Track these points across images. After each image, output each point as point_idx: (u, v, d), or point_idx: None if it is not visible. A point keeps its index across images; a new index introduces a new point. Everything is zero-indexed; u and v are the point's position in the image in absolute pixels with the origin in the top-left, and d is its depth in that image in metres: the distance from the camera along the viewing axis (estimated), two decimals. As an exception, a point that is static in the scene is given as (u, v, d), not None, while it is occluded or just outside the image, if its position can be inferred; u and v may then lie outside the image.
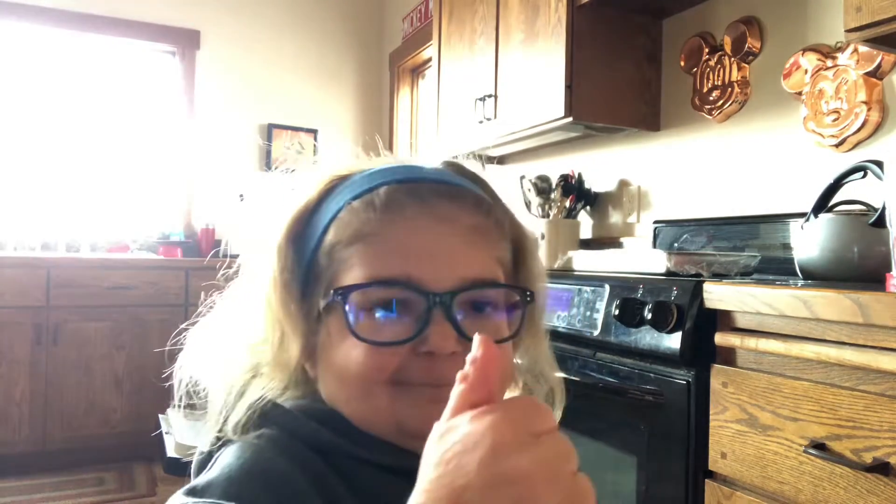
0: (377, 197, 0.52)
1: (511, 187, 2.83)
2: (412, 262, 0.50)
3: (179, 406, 0.60)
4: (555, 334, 1.47)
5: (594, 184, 2.39)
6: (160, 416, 2.40)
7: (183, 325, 0.61)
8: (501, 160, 2.96)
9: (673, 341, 1.15)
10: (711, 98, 1.93)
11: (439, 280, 0.50)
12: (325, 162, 0.59)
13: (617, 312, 1.25)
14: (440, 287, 0.50)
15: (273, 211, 0.57)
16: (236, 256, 0.62)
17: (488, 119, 2.38)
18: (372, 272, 0.50)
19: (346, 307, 0.50)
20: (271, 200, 0.59)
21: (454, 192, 0.54)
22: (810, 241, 1.30)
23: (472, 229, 0.53)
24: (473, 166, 0.61)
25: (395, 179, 0.54)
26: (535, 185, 2.40)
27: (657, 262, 1.40)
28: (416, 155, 0.61)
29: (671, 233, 1.99)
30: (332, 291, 0.51)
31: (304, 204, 0.56)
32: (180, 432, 2.10)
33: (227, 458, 0.50)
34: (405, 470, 0.49)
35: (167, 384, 0.61)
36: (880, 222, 1.17)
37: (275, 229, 0.56)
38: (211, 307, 0.61)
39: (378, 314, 0.50)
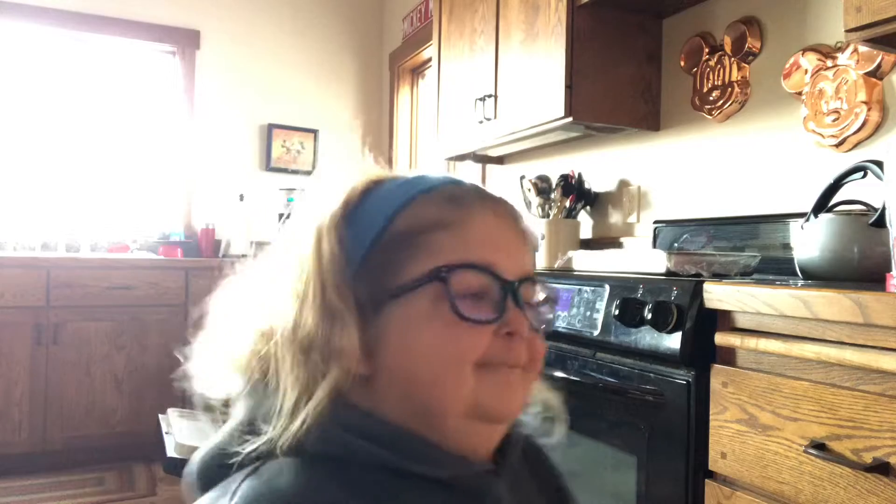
0: (449, 192, 0.56)
1: (511, 187, 2.83)
2: (492, 252, 0.54)
3: (184, 403, 0.60)
4: (555, 334, 1.47)
5: (594, 184, 2.39)
6: (160, 416, 2.40)
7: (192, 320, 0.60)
8: (501, 160, 2.96)
9: (673, 341, 1.15)
10: (711, 98, 1.93)
11: (511, 270, 0.55)
12: (352, 167, 0.61)
13: (617, 312, 1.25)
14: (512, 276, 0.54)
15: (310, 206, 0.58)
16: (239, 257, 0.61)
17: (488, 119, 2.38)
18: (463, 257, 0.53)
19: (448, 285, 0.51)
20: (309, 199, 0.59)
21: (495, 196, 0.59)
22: (810, 241, 1.30)
23: (520, 230, 0.59)
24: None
25: (452, 180, 0.58)
26: (535, 185, 2.40)
27: (657, 262, 1.40)
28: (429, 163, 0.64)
29: (671, 233, 1.99)
30: (424, 275, 0.52)
31: (348, 196, 0.56)
32: (180, 432, 2.10)
33: (280, 482, 0.48)
34: (460, 485, 0.53)
35: (172, 383, 0.60)
36: (880, 222, 1.17)
37: (315, 219, 0.55)
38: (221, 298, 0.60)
39: (469, 299, 0.52)
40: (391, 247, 0.53)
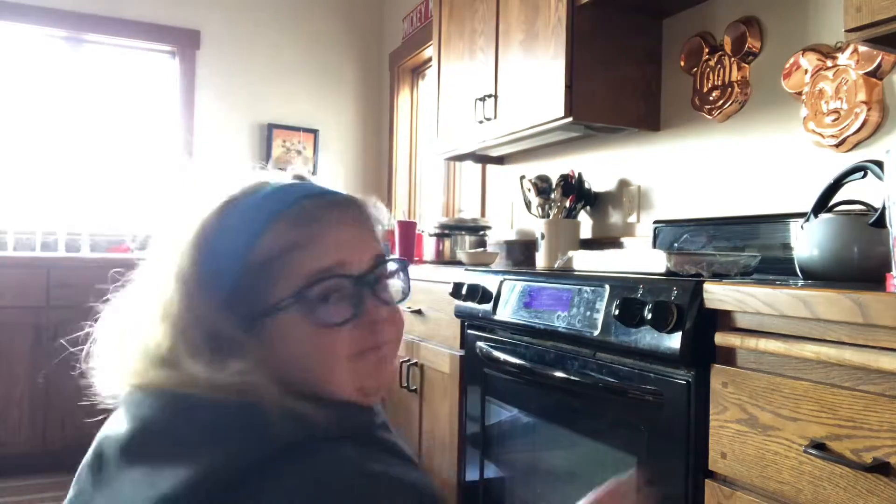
0: (301, 211, 0.64)
1: (511, 187, 2.83)
2: (342, 253, 0.63)
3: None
4: (555, 334, 1.47)
5: (594, 184, 2.39)
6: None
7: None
8: (501, 160, 2.96)
9: (673, 341, 1.15)
10: (711, 98, 1.93)
11: (361, 263, 0.64)
12: (207, 185, 0.68)
13: (617, 312, 1.25)
14: (362, 269, 0.64)
15: (173, 225, 0.66)
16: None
17: (488, 119, 2.38)
18: (314, 268, 0.61)
19: (305, 304, 0.61)
20: (176, 208, 0.68)
21: (342, 201, 0.68)
22: (810, 241, 1.30)
23: (362, 223, 0.68)
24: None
25: (304, 195, 0.65)
26: (535, 185, 2.40)
27: (657, 262, 1.40)
28: (273, 170, 0.71)
29: (671, 233, 1.99)
30: (287, 296, 0.60)
31: (202, 226, 0.63)
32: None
33: (340, 454, 0.56)
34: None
35: None
36: (880, 222, 1.17)
37: (177, 248, 0.63)
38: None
39: (327, 302, 0.62)
40: (254, 274, 0.61)
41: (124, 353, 0.63)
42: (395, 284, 0.70)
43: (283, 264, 0.61)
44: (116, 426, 0.59)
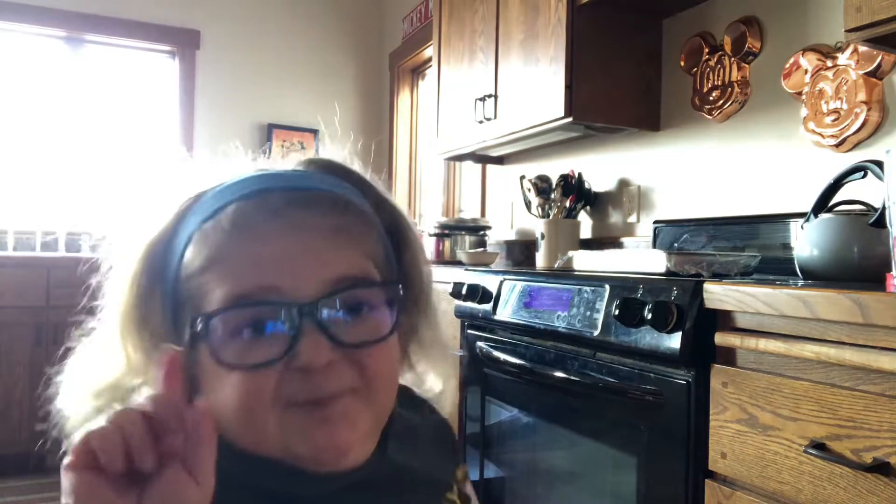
0: (225, 216, 0.50)
1: (511, 187, 2.83)
2: (268, 275, 0.47)
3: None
4: (555, 334, 1.47)
5: (594, 184, 2.39)
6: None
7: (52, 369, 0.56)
8: (501, 160, 2.96)
9: (673, 341, 1.15)
10: (711, 98, 1.93)
11: (300, 288, 0.47)
12: (179, 177, 0.57)
13: (617, 312, 1.25)
14: (303, 295, 0.47)
15: (127, 235, 0.55)
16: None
17: (488, 119, 2.38)
18: (227, 293, 0.47)
19: (210, 336, 0.47)
20: (129, 219, 0.57)
21: (308, 198, 0.51)
22: (810, 241, 1.30)
23: (332, 231, 0.50)
24: (340, 156, 0.60)
25: (244, 195, 0.51)
26: (535, 185, 2.40)
27: (657, 262, 1.40)
28: (278, 159, 0.58)
29: (671, 233, 1.99)
30: (192, 324, 0.47)
31: (160, 231, 0.53)
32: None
33: None
34: (291, 497, 0.49)
35: None
36: (880, 222, 1.17)
37: (128, 258, 0.53)
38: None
39: (245, 335, 0.47)
40: (182, 292, 0.50)
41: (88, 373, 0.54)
42: (384, 319, 0.51)
43: (202, 284, 0.49)
44: None
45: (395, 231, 0.58)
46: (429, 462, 0.61)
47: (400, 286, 0.53)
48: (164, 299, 0.51)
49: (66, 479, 0.36)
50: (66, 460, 0.37)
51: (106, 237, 0.58)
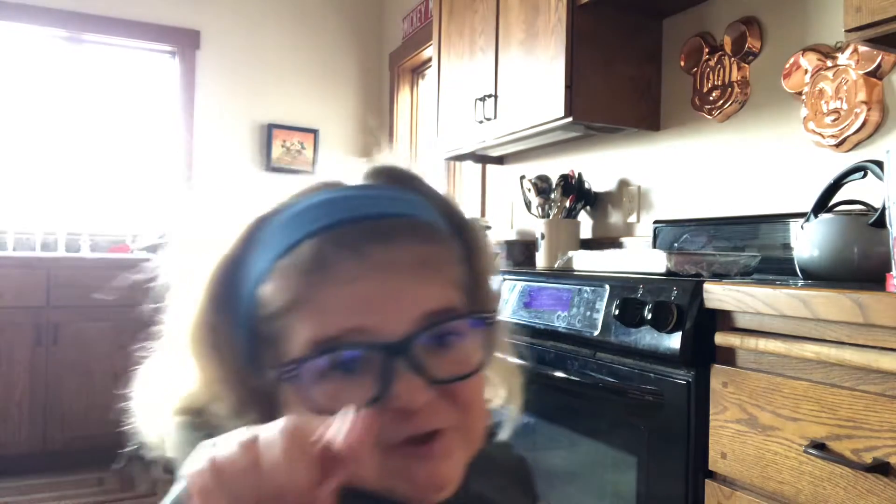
0: (301, 256, 0.47)
1: (511, 187, 2.83)
2: (355, 317, 0.46)
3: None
4: (555, 334, 1.47)
5: (594, 184, 2.39)
6: (160, 416, 2.40)
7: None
8: (501, 160, 2.96)
9: (673, 341, 1.15)
10: (711, 98, 1.93)
11: (389, 328, 0.46)
12: (243, 195, 0.54)
13: (617, 312, 1.25)
14: (392, 334, 0.45)
15: (192, 250, 0.52)
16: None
17: (488, 119, 2.38)
18: (314, 336, 0.46)
19: (300, 380, 0.45)
20: (194, 237, 0.54)
21: (385, 229, 0.48)
22: (810, 241, 1.30)
23: (415, 266, 0.48)
24: (403, 161, 0.57)
25: (316, 229, 0.48)
26: (535, 185, 2.40)
27: (657, 262, 1.40)
28: (340, 166, 0.55)
29: (671, 233, 1.99)
30: (279, 369, 0.46)
31: (226, 255, 0.50)
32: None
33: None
34: None
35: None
36: (880, 222, 1.17)
37: (194, 280, 0.50)
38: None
39: (334, 378, 0.45)
40: (262, 326, 0.48)
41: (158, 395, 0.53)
42: (472, 346, 0.49)
43: (284, 325, 0.47)
44: None
45: (465, 240, 0.55)
46: (505, 495, 0.60)
47: (492, 314, 0.52)
48: (234, 328, 0.50)
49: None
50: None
51: (162, 245, 0.55)
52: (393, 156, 0.56)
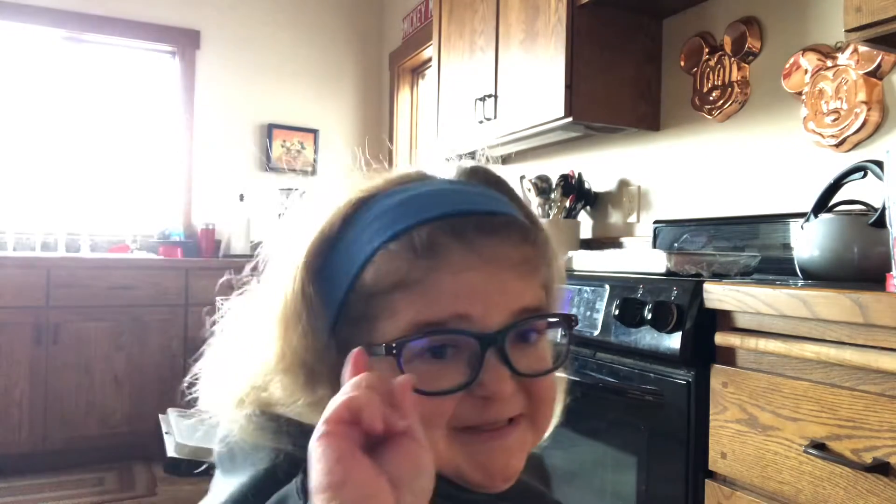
0: (418, 240, 0.49)
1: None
2: (460, 305, 0.48)
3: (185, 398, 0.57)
4: (555, 334, 1.47)
5: (594, 184, 2.39)
6: (160, 416, 2.40)
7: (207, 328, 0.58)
8: (501, 160, 2.96)
9: (673, 341, 1.15)
10: (711, 98, 1.93)
11: (489, 319, 0.49)
12: (340, 175, 0.57)
13: (617, 312, 1.25)
14: (490, 326, 0.49)
15: (291, 228, 0.55)
16: (243, 256, 0.58)
17: (488, 119, 2.38)
18: (418, 318, 0.48)
19: (399, 357, 0.48)
20: (290, 214, 0.56)
21: (497, 226, 0.51)
22: (810, 241, 1.30)
23: (519, 263, 0.51)
24: (489, 166, 0.60)
25: (434, 216, 0.50)
26: (535, 185, 2.40)
27: (657, 262, 1.40)
28: (429, 163, 0.58)
29: (671, 233, 1.99)
30: (382, 346, 0.48)
31: (324, 231, 0.53)
32: (180, 432, 2.10)
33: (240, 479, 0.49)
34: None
35: (172, 383, 0.58)
36: (880, 222, 1.17)
37: (293, 253, 0.53)
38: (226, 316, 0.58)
39: (429, 358, 0.48)
40: (358, 304, 0.51)
41: (237, 371, 0.54)
42: (547, 345, 0.53)
43: (387, 304, 0.49)
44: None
45: (545, 246, 0.58)
46: (537, 487, 0.62)
47: (574, 319, 0.55)
48: (325, 301, 0.52)
49: (321, 444, 0.37)
50: (327, 422, 0.37)
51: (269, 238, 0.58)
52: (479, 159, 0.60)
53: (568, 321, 0.54)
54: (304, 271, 0.52)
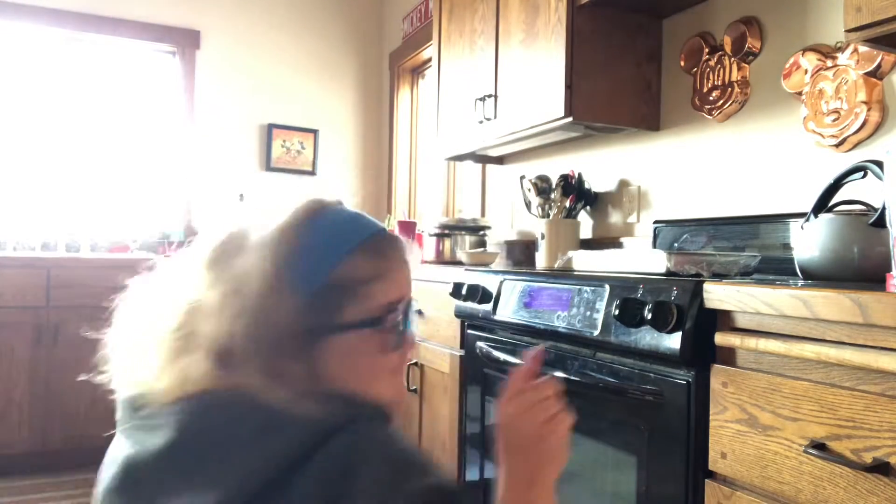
0: (374, 244, 0.72)
1: (511, 187, 2.83)
2: (404, 289, 0.74)
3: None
4: (555, 334, 1.47)
5: (594, 184, 2.39)
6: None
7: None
8: (501, 160, 2.96)
9: (673, 341, 1.15)
10: (711, 98, 1.93)
11: (409, 297, 0.76)
12: (294, 197, 0.73)
13: (617, 312, 1.25)
14: (411, 302, 0.76)
15: (265, 222, 0.69)
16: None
17: (488, 119, 2.38)
18: (387, 301, 0.71)
19: (376, 329, 0.69)
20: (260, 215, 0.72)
21: (397, 237, 0.77)
22: (810, 241, 1.30)
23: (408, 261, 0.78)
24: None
25: (374, 231, 0.74)
26: (535, 185, 2.39)
27: (657, 262, 1.39)
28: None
29: (671, 233, 1.99)
30: (363, 319, 0.68)
31: (294, 224, 0.69)
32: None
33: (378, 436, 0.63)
34: None
35: None
36: (880, 222, 1.17)
37: (258, 248, 0.67)
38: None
39: (391, 329, 0.71)
40: (333, 291, 0.67)
41: (158, 349, 0.69)
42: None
43: (363, 291, 0.68)
44: (145, 440, 0.63)
45: None
46: None
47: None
48: (296, 286, 0.65)
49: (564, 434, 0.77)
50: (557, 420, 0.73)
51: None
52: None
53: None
54: (275, 266, 0.66)
